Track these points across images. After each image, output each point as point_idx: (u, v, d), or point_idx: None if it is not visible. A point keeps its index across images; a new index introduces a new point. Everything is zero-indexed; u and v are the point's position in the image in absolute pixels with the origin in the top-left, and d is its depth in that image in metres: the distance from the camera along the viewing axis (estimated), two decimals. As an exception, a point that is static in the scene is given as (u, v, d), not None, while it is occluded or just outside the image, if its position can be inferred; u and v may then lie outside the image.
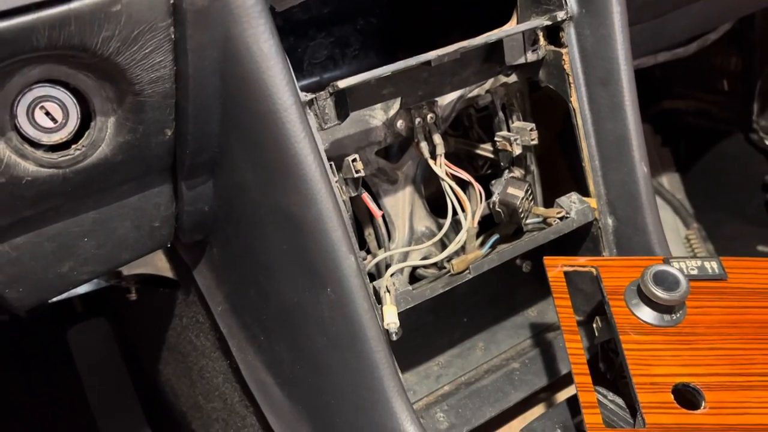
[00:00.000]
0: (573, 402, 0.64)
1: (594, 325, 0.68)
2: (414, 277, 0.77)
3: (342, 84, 0.57)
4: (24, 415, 1.27)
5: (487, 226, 0.76)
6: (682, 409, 0.54)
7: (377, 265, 0.73)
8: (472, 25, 0.73)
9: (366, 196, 0.67)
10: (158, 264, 0.85)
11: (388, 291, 0.60)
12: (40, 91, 0.50)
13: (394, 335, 0.58)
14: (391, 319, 0.58)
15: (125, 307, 1.10)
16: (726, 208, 1.46)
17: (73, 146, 0.53)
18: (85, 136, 0.53)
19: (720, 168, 1.47)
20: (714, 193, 1.49)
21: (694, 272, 0.63)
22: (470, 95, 0.74)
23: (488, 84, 0.74)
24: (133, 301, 0.93)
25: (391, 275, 0.63)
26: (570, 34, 0.67)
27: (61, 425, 1.28)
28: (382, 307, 0.60)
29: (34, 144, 0.51)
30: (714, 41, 1.22)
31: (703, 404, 0.54)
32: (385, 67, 0.59)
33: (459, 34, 0.69)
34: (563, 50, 0.68)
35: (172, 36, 0.50)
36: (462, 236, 0.66)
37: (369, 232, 0.78)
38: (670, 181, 1.53)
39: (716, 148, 1.47)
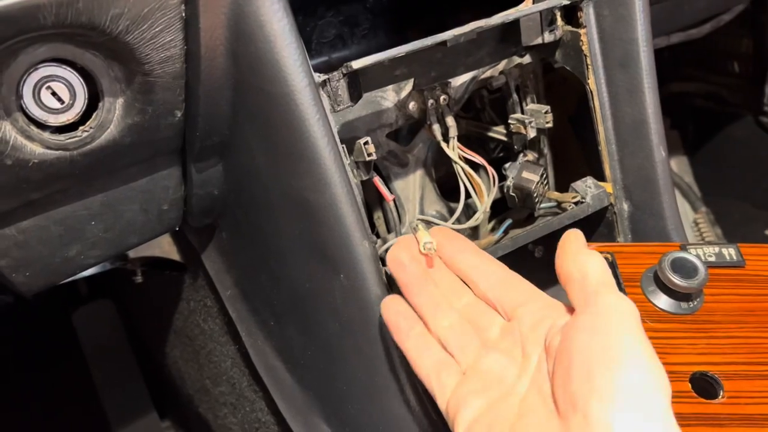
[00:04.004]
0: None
1: (608, 312, 0.67)
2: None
3: (356, 65, 0.55)
4: (29, 398, 1.27)
5: (497, 210, 0.75)
6: (700, 398, 0.53)
7: (387, 249, 0.72)
8: (483, 4, 0.71)
9: (377, 180, 0.66)
10: (165, 247, 0.85)
11: (421, 221, 0.59)
12: (46, 70, 0.48)
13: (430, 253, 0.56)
14: (428, 238, 0.55)
15: (131, 289, 1.10)
16: (735, 192, 1.45)
17: (81, 128, 0.52)
18: (93, 117, 0.52)
19: (729, 151, 1.46)
20: (723, 177, 1.48)
21: (712, 259, 0.62)
22: (483, 76, 0.72)
23: (502, 65, 0.72)
24: (139, 283, 0.92)
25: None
26: (589, 14, 0.65)
27: (66, 408, 1.28)
28: (415, 234, 0.58)
29: (41, 125, 0.50)
30: (727, 22, 1.20)
31: (720, 393, 0.53)
32: (399, 47, 0.57)
33: (470, 14, 0.67)
34: (581, 31, 0.66)
35: (183, 14, 0.48)
36: (478, 218, 0.65)
37: (378, 216, 0.77)
38: (678, 164, 1.52)
39: (726, 131, 1.46)
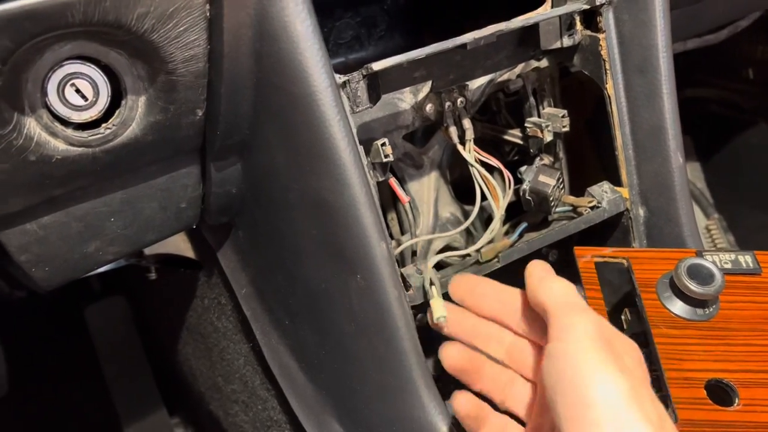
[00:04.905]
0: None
1: (622, 317, 0.66)
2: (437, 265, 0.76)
3: (376, 66, 0.55)
4: (40, 393, 1.28)
5: (511, 213, 0.75)
6: (715, 406, 0.53)
7: (402, 251, 0.72)
8: (501, 8, 0.71)
9: (393, 181, 0.66)
10: (180, 245, 0.85)
11: (433, 283, 0.59)
12: (71, 67, 0.49)
13: (445, 329, 0.57)
14: (441, 312, 0.56)
15: (144, 286, 1.10)
16: (748, 198, 1.44)
17: (104, 125, 0.52)
18: (116, 114, 0.52)
19: (743, 158, 1.45)
20: (735, 184, 1.47)
21: (728, 266, 0.62)
22: (500, 79, 0.72)
23: (519, 68, 0.72)
24: (152, 280, 0.92)
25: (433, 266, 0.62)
26: (608, 18, 0.65)
27: (76, 403, 1.28)
28: (429, 300, 0.58)
29: (65, 122, 0.50)
30: (743, 29, 1.19)
31: (736, 401, 0.53)
32: (419, 49, 0.57)
33: (487, 17, 0.67)
34: (601, 35, 0.66)
35: (208, 14, 0.49)
36: (495, 224, 0.65)
37: (392, 218, 0.77)
38: (691, 170, 1.51)
39: (739, 137, 1.45)
